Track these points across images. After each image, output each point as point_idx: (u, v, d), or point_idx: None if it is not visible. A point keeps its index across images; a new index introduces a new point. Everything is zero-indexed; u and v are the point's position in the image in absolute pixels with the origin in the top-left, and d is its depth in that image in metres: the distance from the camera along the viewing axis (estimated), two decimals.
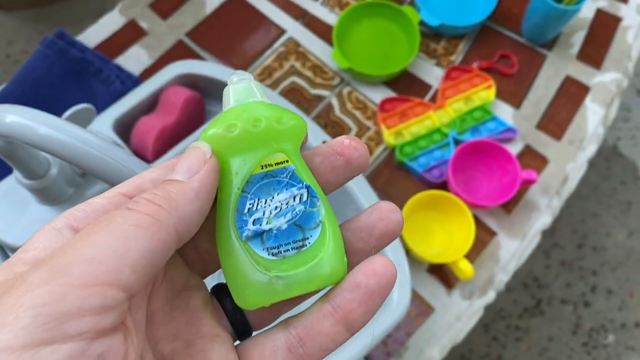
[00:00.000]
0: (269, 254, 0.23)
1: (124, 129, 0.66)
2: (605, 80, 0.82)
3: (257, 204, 0.23)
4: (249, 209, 0.23)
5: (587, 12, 0.87)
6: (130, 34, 0.83)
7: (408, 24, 0.81)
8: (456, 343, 0.69)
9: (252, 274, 0.22)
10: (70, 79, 0.77)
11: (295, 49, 0.83)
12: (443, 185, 0.73)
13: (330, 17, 0.86)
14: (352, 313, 0.22)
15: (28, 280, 0.17)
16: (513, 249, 0.73)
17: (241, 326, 0.24)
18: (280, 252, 0.23)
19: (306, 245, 0.23)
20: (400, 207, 0.69)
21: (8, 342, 0.16)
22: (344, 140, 0.24)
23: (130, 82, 0.77)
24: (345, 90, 0.81)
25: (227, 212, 0.23)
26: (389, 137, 0.75)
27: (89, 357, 0.17)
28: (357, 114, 0.79)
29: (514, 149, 0.77)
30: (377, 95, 0.80)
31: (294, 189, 0.23)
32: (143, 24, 0.84)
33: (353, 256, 0.24)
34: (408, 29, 0.81)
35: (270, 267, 0.23)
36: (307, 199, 0.23)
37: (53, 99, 0.75)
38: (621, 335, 1.32)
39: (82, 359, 0.17)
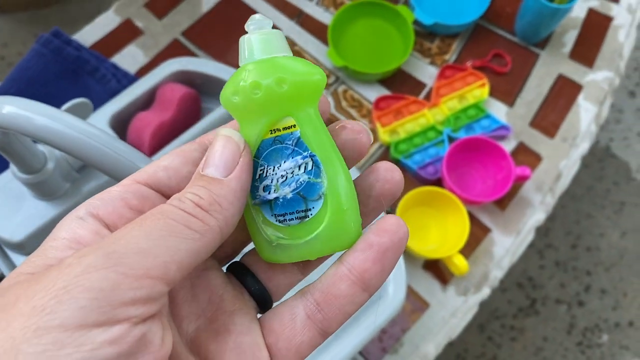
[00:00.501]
0: (276, 221, 0.23)
1: (121, 124, 0.66)
2: (597, 79, 0.83)
3: (267, 170, 0.23)
4: (259, 175, 0.23)
5: (579, 12, 0.88)
6: (126, 33, 0.84)
7: (402, 23, 0.82)
8: (451, 339, 0.70)
9: (261, 237, 0.24)
10: (66, 78, 0.77)
11: (290, 47, 0.84)
12: (438, 182, 0.74)
13: (325, 16, 0.86)
14: (368, 272, 0.22)
15: (84, 262, 0.18)
16: (507, 245, 0.73)
17: (262, 298, 0.25)
18: (286, 220, 0.23)
19: (308, 217, 0.23)
20: (395, 204, 0.69)
21: (63, 319, 0.17)
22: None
23: (127, 80, 0.77)
24: (341, 88, 0.81)
25: None
26: (384, 135, 0.76)
27: (133, 338, 0.18)
28: (352, 112, 0.80)
29: (508, 146, 0.78)
30: (372, 93, 0.81)
31: (298, 157, 0.23)
32: (139, 23, 0.85)
33: None
34: (402, 28, 0.82)
35: (277, 232, 0.24)
36: (312, 168, 0.23)
37: (48, 97, 0.75)
38: (615, 334, 1.32)
39: (126, 339, 0.17)
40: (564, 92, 0.82)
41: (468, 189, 0.74)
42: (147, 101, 0.67)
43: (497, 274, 0.72)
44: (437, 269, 0.72)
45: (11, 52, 1.58)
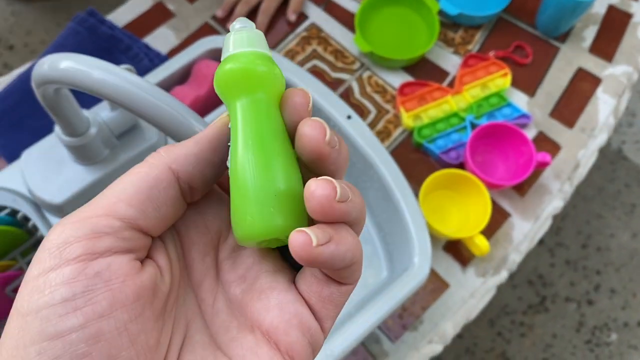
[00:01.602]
0: None
1: None
2: (616, 73, 0.85)
3: None
4: None
5: (599, 8, 0.90)
6: (158, 15, 0.86)
7: (427, 13, 0.84)
8: (469, 320, 0.71)
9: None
10: (100, 55, 0.78)
11: (317, 34, 0.86)
12: (459, 167, 0.75)
13: (351, 4, 0.89)
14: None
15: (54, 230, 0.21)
16: (526, 230, 0.75)
17: (294, 261, 0.26)
18: None
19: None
20: (418, 186, 0.71)
21: (30, 274, 0.20)
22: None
23: (158, 60, 0.80)
24: (365, 74, 0.83)
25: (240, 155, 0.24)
26: (408, 120, 0.78)
27: (87, 275, 0.20)
28: (377, 97, 0.82)
29: (528, 135, 0.80)
30: (396, 79, 0.83)
31: None
32: (170, 6, 0.87)
33: None
34: (427, 17, 0.84)
35: None
36: None
37: None
38: (624, 334, 1.33)
39: (81, 277, 0.20)
40: (583, 85, 0.84)
41: (490, 173, 0.75)
42: (183, 76, 0.69)
43: (515, 257, 0.74)
44: (457, 250, 0.73)
45: (34, 39, 1.61)
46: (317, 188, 0.21)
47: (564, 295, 1.37)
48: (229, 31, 0.29)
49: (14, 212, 0.61)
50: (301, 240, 0.21)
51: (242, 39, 0.24)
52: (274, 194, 0.22)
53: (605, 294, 1.37)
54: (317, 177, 0.21)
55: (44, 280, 0.20)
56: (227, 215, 0.26)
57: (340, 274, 0.23)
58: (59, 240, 0.20)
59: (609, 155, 1.49)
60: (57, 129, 0.54)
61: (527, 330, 1.32)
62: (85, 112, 0.55)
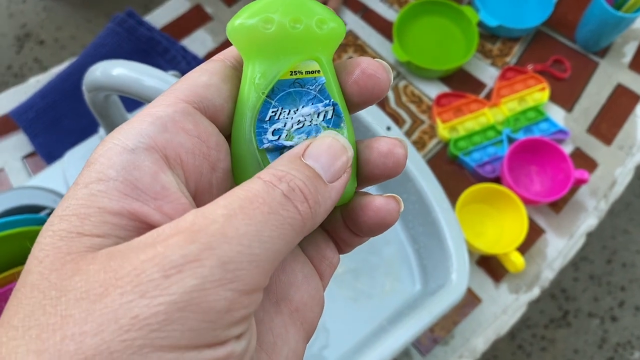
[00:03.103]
0: None
1: None
2: None
3: (280, 113, 0.21)
4: (270, 117, 0.21)
5: None
6: (195, 18, 0.86)
7: (467, 24, 0.83)
8: (500, 336, 0.71)
9: None
10: (138, 56, 0.79)
11: (354, 41, 0.85)
12: (495, 181, 0.75)
13: (389, 12, 0.88)
14: (367, 233, 0.23)
15: (198, 273, 0.15)
16: (560, 247, 0.74)
17: None
18: None
19: None
20: (452, 198, 0.70)
21: (173, 340, 0.15)
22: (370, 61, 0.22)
23: (195, 63, 0.80)
24: (402, 83, 0.83)
25: (247, 115, 0.21)
26: (444, 131, 0.77)
27: (237, 353, 0.16)
28: (412, 107, 0.81)
29: (565, 150, 0.79)
30: (432, 90, 0.82)
31: (320, 104, 0.21)
32: (208, 9, 0.87)
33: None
34: (466, 28, 0.83)
35: None
36: (332, 117, 0.21)
37: None
38: None
39: (233, 355, 0.16)
40: (622, 101, 0.83)
41: (526, 189, 0.74)
42: None
43: (548, 275, 0.73)
44: (490, 265, 0.73)
45: (64, 35, 1.62)
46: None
47: (587, 311, 1.35)
48: None
49: None
50: (396, 207, 0.21)
51: None
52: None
53: (629, 310, 1.35)
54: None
55: (191, 355, 0.15)
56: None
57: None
58: (226, 318, 0.16)
59: (637, 171, 1.47)
60: (102, 131, 0.55)
61: (548, 345, 1.31)
62: (129, 116, 0.56)
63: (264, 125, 0.21)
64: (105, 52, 0.78)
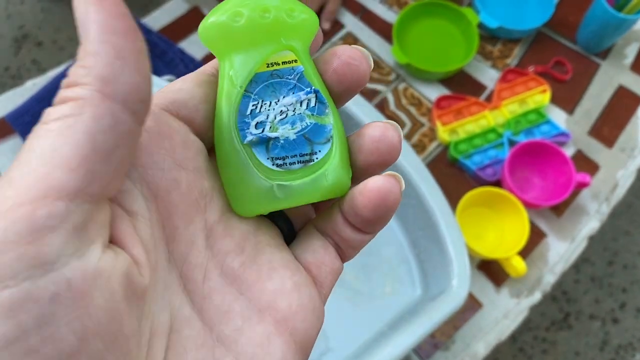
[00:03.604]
0: (272, 164, 0.21)
1: None
2: None
3: (261, 105, 0.21)
4: (251, 110, 0.21)
5: None
6: (193, 20, 0.85)
7: (467, 25, 0.82)
8: (501, 340, 0.70)
9: (253, 180, 0.21)
10: None
11: (353, 43, 0.85)
12: (496, 184, 0.74)
13: (388, 14, 0.87)
14: (369, 223, 0.21)
15: None
16: (562, 251, 0.73)
17: (290, 236, 0.24)
18: (286, 164, 0.21)
19: (313, 160, 0.21)
20: (454, 202, 0.70)
21: None
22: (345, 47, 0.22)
23: (193, 65, 0.79)
24: (401, 86, 0.82)
25: (227, 111, 0.21)
26: (444, 134, 0.76)
27: (38, 302, 0.14)
28: (412, 109, 0.81)
29: (566, 153, 0.78)
30: (432, 92, 0.81)
31: (301, 92, 0.21)
32: (206, 12, 0.86)
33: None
34: (466, 30, 0.83)
35: (272, 177, 0.21)
36: (315, 104, 0.21)
37: None
38: None
39: (28, 305, 0.14)
40: (624, 103, 0.82)
41: (528, 192, 0.74)
42: None
43: (549, 279, 0.72)
44: (491, 270, 0.72)
45: (62, 36, 1.61)
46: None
47: (588, 313, 1.34)
48: None
49: None
50: (397, 185, 0.20)
51: None
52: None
53: (630, 312, 1.35)
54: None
55: None
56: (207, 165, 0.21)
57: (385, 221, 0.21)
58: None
59: (638, 173, 1.46)
60: None
61: (549, 347, 1.30)
62: None
63: (246, 120, 0.21)
64: None
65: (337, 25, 0.86)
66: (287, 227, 0.24)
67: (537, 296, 0.71)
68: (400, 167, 0.64)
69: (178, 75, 0.76)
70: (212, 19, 0.21)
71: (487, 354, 0.69)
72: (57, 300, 0.14)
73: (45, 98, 0.74)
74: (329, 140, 0.21)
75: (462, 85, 0.82)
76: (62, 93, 0.16)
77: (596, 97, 0.82)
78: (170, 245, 0.19)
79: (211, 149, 0.22)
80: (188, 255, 0.20)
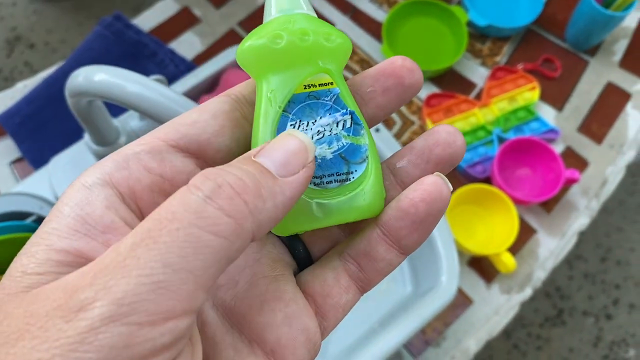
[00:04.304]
0: (310, 182, 0.21)
1: None
2: None
3: (299, 125, 0.21)
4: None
5: (630, 22, 0.88)
6: (183, 20, 0.86)
7: (456, 24, 0.83)
8: (492, 336, 0.70)
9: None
10: (126, 60, 0.79)
11: None
12: (485, 181, 0.74)
13: (378, 13, 0.88)
14: (405, 239, 0.21)
15: (89, 314, 0.14)
16: (552, 247, 0.74)
17: (306, 261, 0.23)
18: (323, 182, 0.21)
19: (350, 180, 0.22)
20: None
21: None
22: (395, 59, 0.22)
23: (184, 66, 0.79)
24: None
25: (265, 131, 0.21)
26: None
27: None
28: (402, 108, 0.81)
29: (555, 149, 0.79)
30: (422, 90, 0.82)
31: (337, 114, 0.21)
32: (197, 12, 0.87)
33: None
34: (456, 28, 0.83)
35: (309, 195, 0.21)
36: (351, 125, 0.22)
37: None
38: None
39: None
40: (613, 100, 0.83)
41: (517, 189, 0.74)
42: (211, 85, 0.69)
43: (540, 275, 0.72)
44: (481, 266, 0.72)
45: (55, 38, 1.61)
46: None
47: (581, 309, 1.35)
48: None
49: (40, 219, 0.61)
50: (446, 186, 0.21)
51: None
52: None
53: (624, 308, 1.35)
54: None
55: None
56: None
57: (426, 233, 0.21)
58: (127, 354, 0.15)
59: (631, 168, 1.47)
60: (87, 137, 0.54)
61: (543, 344, 1.31)
62: (115, 121, 0.55)
63: None
64: (92, 57, 0.77)
65: None
66: (303, 252, 0.23)
67: (527, 292, 0.72)
68: None
69: (168, 76, 0.77)
70: (250, 42, 0.21)
71: (480, 351, 0.69)
72: None
73: (35, 100, 0.74)
74: (364, 160, 0.22)
75: (451, 83, 0.83)
76: (234, 194, 0.16)
77: (585, 94, 0.83)
78: None
79: None
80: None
